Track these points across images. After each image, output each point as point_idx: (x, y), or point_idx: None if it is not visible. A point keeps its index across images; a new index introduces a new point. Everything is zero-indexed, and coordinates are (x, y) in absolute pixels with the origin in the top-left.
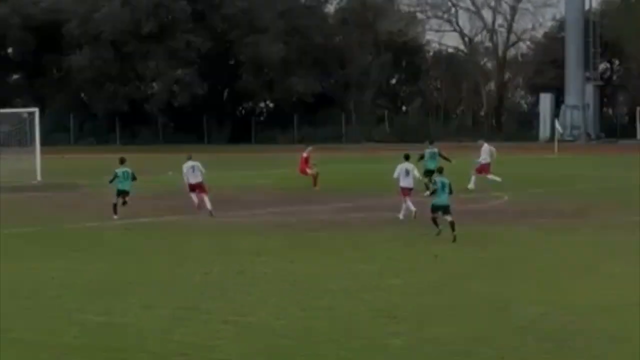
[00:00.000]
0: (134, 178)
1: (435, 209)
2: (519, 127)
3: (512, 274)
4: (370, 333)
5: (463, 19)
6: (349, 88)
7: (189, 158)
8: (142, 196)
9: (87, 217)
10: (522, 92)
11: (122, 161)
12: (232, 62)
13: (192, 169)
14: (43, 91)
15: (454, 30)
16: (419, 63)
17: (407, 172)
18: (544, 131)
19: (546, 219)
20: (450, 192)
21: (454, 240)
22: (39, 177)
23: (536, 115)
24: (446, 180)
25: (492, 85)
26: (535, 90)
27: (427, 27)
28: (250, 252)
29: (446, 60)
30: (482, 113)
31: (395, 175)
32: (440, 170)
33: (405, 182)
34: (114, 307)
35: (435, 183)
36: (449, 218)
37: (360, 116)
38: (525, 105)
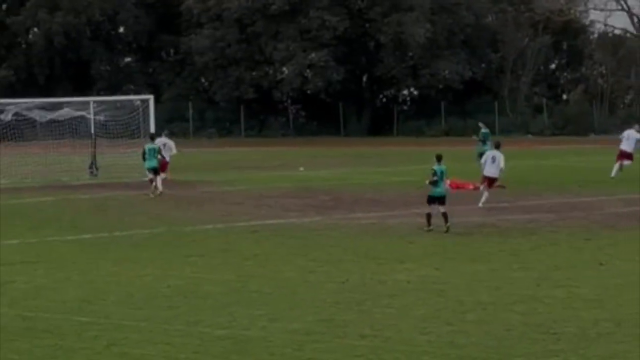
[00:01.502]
0: (159, 153)
1: (431, 200)
2: None
3: None
4: (525, 351)
5: None
6: (502, 74)
7: (152, 138)
8: (270, 195)
9: (208, 219)
10: None
11: (152, 137)
12: (371, 44)
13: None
14: (158, 76)
15: (622, 9)
16: (581, 46)
17: (494, 160)
18: None
19: None
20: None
21: (447, 231)
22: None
23: None
24: (444, 169)
25: None
26: None
27: (591, 5)
28: (391, 259)
29: (612, 42)
30: None
31: (482, 160)
32: (497, 146)
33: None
34: (238, 319)
35: (435, 173)
36: (442, 209)
37: (515, 105)
38: None
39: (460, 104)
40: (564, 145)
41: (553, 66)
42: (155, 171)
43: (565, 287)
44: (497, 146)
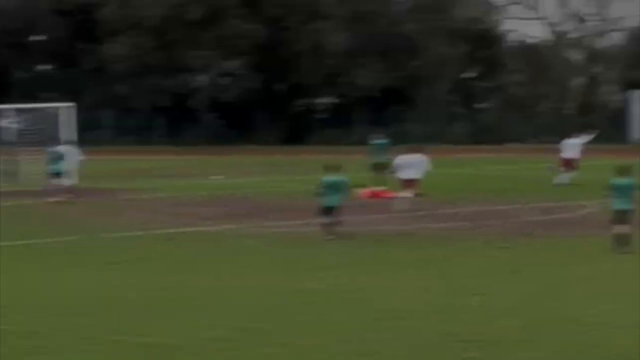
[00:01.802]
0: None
1: (325, 210)
2: (609, 127)
3: (600, 292)
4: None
5: (548, 6)
6: (419, 82)
7: (63, 144)
8: (187, 202)
9: (126, 226)
10: (614, 88)
11: (62, 143)
12: (288, 53)
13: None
14: (76, 84)
15: (538, 18)
16: (497, 55)
17: (411, 164)
18: (634, 132)
19: None
20: (345, 193)
21: (331, 240)
22: (72, 181)
23: (629, 114)
24: (339, 179)
25: (579, 80)
26: (629, 86)
27: (508, 14)
28: (307, 267)
29: (528, 51)
30: (568, 111)
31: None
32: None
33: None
34: (156, 326)
35: (322, 183)
36: (332, 219)
37: (431, 114)
38: (616, 103)
39: (377, 112)
40: (480, 154)
41: (469, 75)
42: (59, 175)
43: (479, 296)
44: (418, 151)
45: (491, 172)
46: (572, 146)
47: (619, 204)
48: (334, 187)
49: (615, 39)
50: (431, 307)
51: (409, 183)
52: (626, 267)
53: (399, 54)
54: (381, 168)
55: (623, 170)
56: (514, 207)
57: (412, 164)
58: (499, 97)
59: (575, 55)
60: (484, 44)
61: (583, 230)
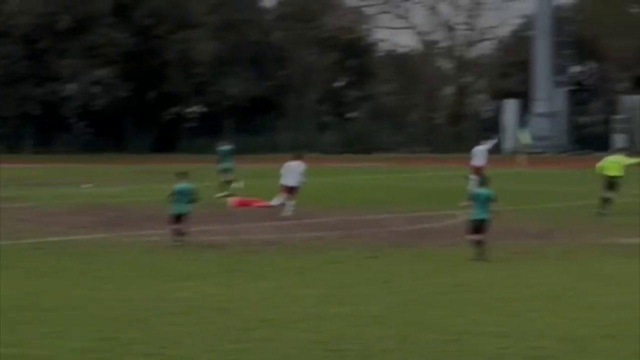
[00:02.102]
0: None
1: (174, 218)
2: (480, 137)
3: (468, 302)
4: None
5: (418, 15)
6: (289, 91)
7: None
8: (56, 212)
9: None
10: (485, 98)
11: None
12: (158, 62)
13: None
14: None
15: (408, 27)
16: (367, 64)
17: (292, 169)
18: (507, 142)
19: (508, 241)
20: (194, 200)
21: (179, 246)
22: None
23: (500, 124)
24: (187, 187)
25: (449, 90)
26: (499, 95)
27: (378, 23)
28: (176, 276)
29: (398, 61)
30: (439, 121)
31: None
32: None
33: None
34: (22, 337)
35: (172, 191)
36: (182, 226)
37: (301, 123)
38: (487, 113)
39: (247, 121)
40: (350, 163)
41: (339, 84)
42: None
43: (350, 305)
44: (299, 158)
45: (361, 182)
46: (481, 153)
47: (476, 215)
48: (182, 195)
49: (486, 48)
50: (301, 316)
51: (288, 190)
52: (498, 275)
53: (269, 63)
54: (226, 173)
55: (483, 182)
56: (383, 217)
57: (293, 171)
58: (370, 107)
59: (446, 65)
60: (354, 53)
61: (451, 239)
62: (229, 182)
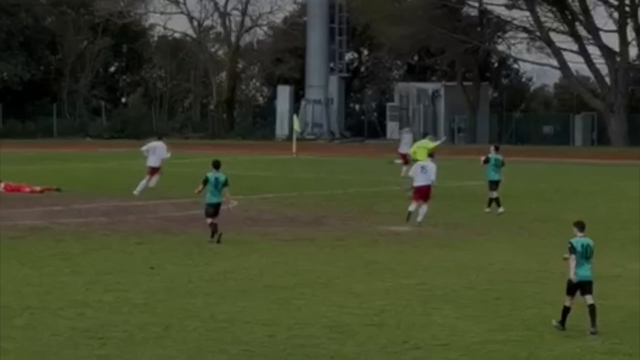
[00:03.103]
0: None
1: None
2: (254, 123)
3: (237, 289)
4: (71, 357)
5: (191, 1)
6: (62, 76)
7: None
8: None
9: None
10: (258, 84)
11: None
12: None
13: None
14: None
15: (181, 12)
16: (141, 49)
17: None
18: (281, 128)
19: (279, 227)
20: None
21: None
22: None
23: (274, 110)
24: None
25: (223, 76)
26: (273, 81)
27: (151, 8)
28: None
29: (172, 46)
30: (213, 106)
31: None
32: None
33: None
34: None
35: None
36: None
37: (74, 108)
38: (261, 99)
39: (19, 105)
40: (122, 148)
41: (113, 69)
42: None
43: (115, 292)
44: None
45: (132, 167)
46: (407, 141)
47: (210, 199)
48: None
49: (260, 34)
50: (65, 303)
51: (152, 170)
52: (268, 262)
53: (41, 48)
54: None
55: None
56: (152, 203)
57: (155, 151)
58: (143, 92)
59: (220, 51)
60: (127, 37)
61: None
62: None
